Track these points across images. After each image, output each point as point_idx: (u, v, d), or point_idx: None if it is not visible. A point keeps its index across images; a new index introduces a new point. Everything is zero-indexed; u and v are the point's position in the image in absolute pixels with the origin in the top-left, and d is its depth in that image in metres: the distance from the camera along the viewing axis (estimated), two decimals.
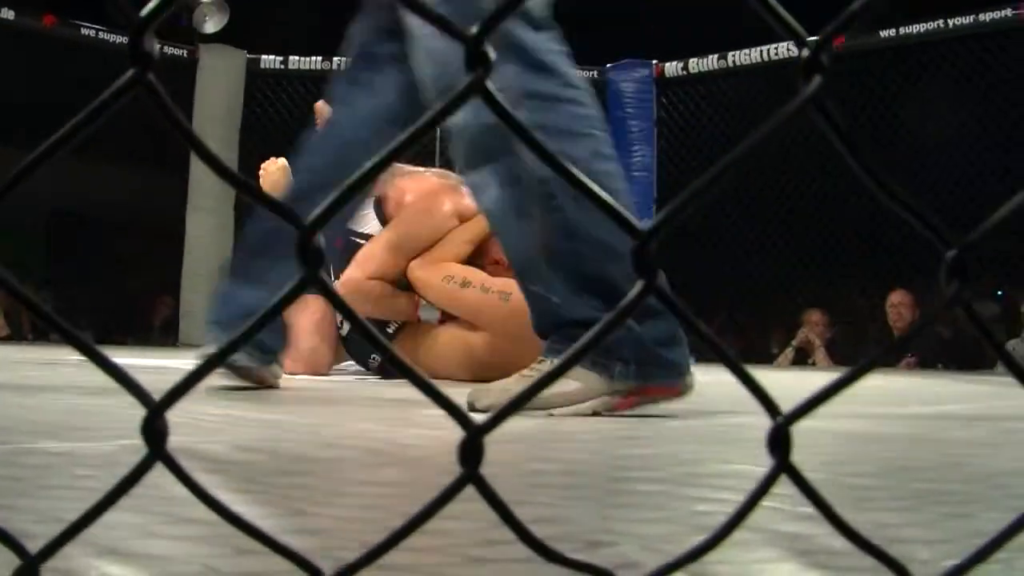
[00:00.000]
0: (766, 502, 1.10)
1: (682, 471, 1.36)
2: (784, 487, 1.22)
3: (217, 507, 0.50)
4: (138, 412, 0.50)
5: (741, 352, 9.80)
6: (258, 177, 4.46)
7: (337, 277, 4.04)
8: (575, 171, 0.47)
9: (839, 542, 0.62)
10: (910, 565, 0.66)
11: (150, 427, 0.50)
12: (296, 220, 0.49)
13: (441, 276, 3.89)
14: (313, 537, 0.87)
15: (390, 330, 4.10)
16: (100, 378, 0.52)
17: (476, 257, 4.02)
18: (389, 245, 4.01)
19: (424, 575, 0.72)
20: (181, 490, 1.03)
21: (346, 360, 4.49)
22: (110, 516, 0.88)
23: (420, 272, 3.95)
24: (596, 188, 0.47)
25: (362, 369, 4.39)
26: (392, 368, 4.38)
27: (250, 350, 2.47)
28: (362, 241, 4.14)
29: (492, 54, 0.46)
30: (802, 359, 9.23)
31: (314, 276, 0.47)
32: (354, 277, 3.98)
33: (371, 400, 2.78)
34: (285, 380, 2.90)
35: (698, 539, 0.85)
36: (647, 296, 0.47)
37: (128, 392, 0.50)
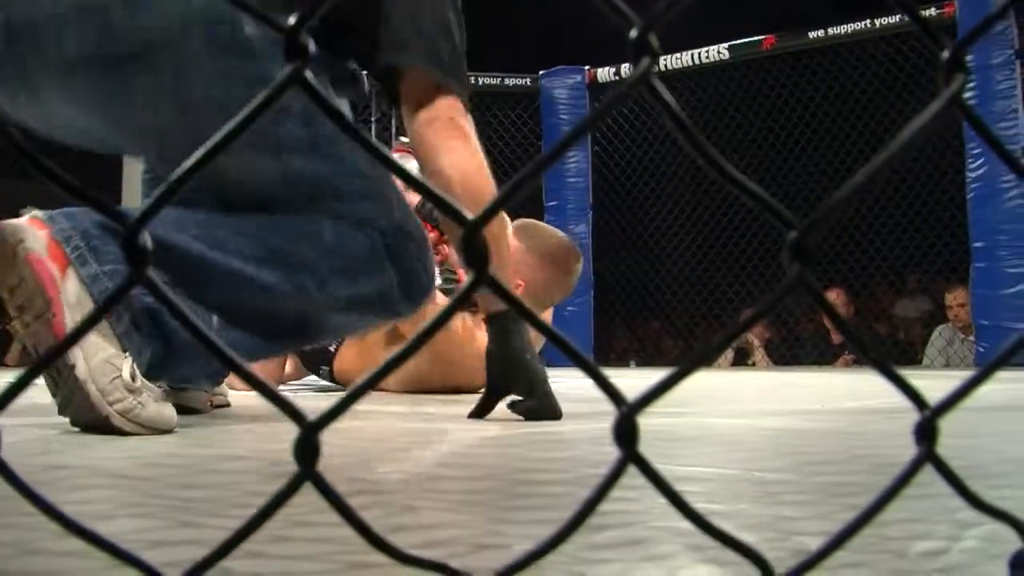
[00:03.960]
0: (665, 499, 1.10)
1: (590, 472, 1.36)
2: (692, 484, 1.22)
3: (46, 508, 0.49)
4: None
5: (681, 354, 9.84)
6: None
7: None
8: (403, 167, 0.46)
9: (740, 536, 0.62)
10: (801, 557, 0.65)
11: None
12: (121, 218, 0.47)
13: None
14: (200, 548, 0.86)
15: None
16: None
17: None
18: None
19: None
20: (72, 506, 1.01)
21: (308, 375, 4.47)
22: None
23: None
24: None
25: (324, 382, 4.36)
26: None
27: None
28: None
29: (311, 46, 0.45)
30: (741, 360, 9.30)
31: (141, 274, 0.46)
32: None
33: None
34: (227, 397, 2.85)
35: (587, 539, 0.85)
36: (479, 287, 0.46)
37: None
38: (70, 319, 1.86)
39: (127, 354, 1.89)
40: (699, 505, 1.03)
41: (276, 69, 2.06)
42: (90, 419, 1.84)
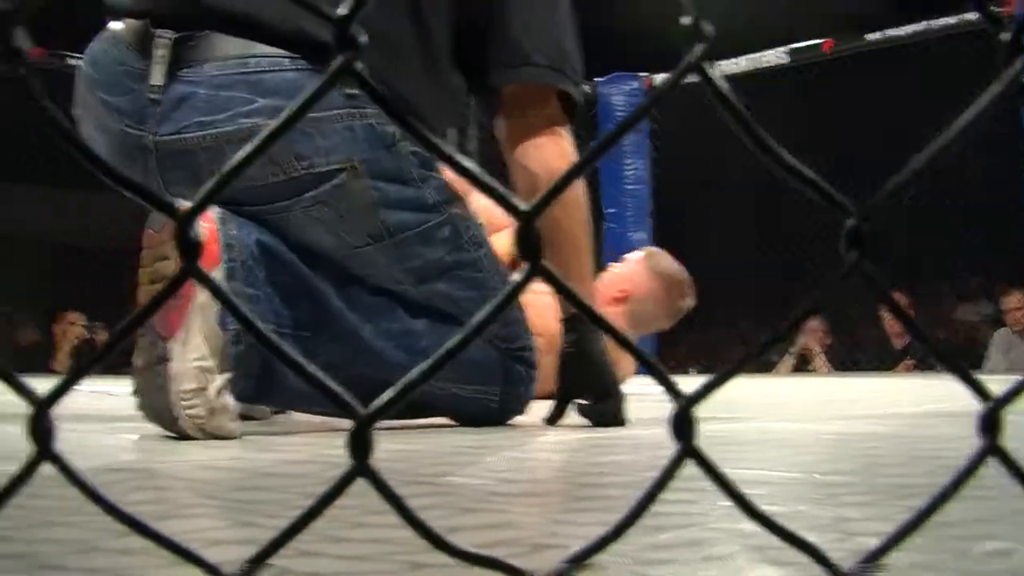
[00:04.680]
0: (726, 501, 1.09)
1: (653, 475, 1.34)
2: (752, 487, 1.20)
3: (107, 506, 0.49)
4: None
5: (742, 360, 9.79)
6: None
7: None
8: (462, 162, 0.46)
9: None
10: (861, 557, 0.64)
11: (36, 425, 0.49)
12: (173, 210, 0.48)
13: None
14: (257, 547, 0.86)
15: None
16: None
17: None
18: None
19: None
20: (132, 507, 1.01)
21: None
22: (57, 532, 0.87)
23: None
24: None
25: None
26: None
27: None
28: None
29: (362, 37, 0.45)
30: (802, 366, 9.24)
31: (194, 268, 0.46)
32: None
33: None
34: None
35: (648, 540, 0.84)
36: (534, 278, 0.46)
37: (14, 391, 0.49)
38: (190, 316, 1.86)
39: (226, 374, 1.89)
40: (761, 507, 1.03)
41: (429, 192, 2.22)
42: (159, 412, 1.85)
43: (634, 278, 4.20)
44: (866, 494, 1.15)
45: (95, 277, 10.53)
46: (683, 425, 0.48)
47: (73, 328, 9.66)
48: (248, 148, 0.45)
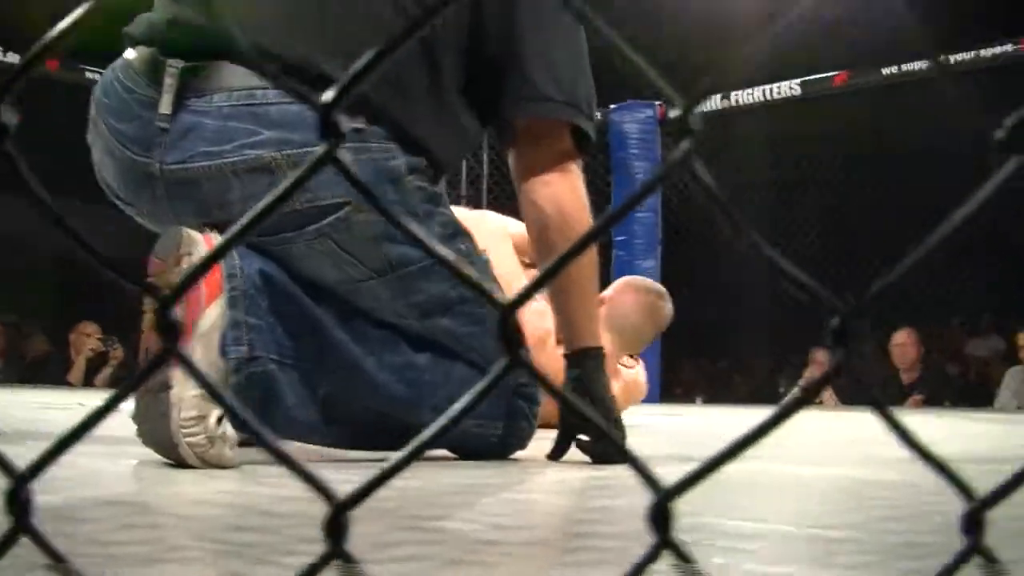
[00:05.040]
0: (718, 558, 1.08)
1: (645, 525, 1.34)
2: (745, 541, 1.19)
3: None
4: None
5: (749, 393, 9.78)
6: None
7: None
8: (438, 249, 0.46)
9: None
10: None
11: (15, 498, 0.49)
12: (155, 292, 0.47)
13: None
14: None
15: None
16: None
17: None
18: None
19: None
20: (116, 547, 1.01)
21: None
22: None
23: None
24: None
25: None
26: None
27: None
28: None
29: (345, 124, 0.45)
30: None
31: (170, 345, 0.46)
32: None
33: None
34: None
35: None
36: (512, 370, 0.46)
37: None
38: (192, 343, 1.88)
39: None
40: (748, 566, 1.02)
41: (434, 227, 2.25)
42: (158, 439, 1.86)
43: (613, 289, 4.48)
44: (869, 553, 1.12)
45: (102, 288, 10.55)
46: (660, 519, 0.47)
47: (88, 339, 9.68)
48: (232, 232, 0.45)
